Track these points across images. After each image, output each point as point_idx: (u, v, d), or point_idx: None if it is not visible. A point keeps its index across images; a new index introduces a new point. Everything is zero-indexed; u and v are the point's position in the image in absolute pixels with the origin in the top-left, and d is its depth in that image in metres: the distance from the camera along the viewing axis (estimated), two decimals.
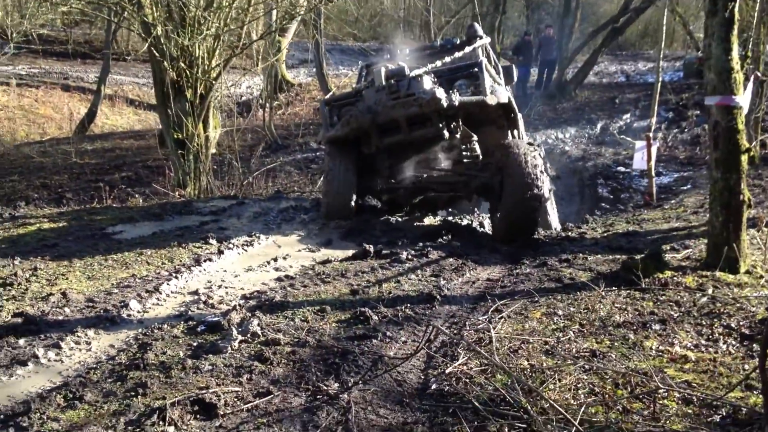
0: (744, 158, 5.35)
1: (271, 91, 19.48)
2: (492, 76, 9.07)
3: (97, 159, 17.47)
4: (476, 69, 8.53)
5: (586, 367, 3.78)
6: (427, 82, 8.09)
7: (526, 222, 7.57)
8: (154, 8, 10.90)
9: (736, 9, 5.21)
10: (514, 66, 10.45)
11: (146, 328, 4.74)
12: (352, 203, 8.63)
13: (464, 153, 8.89)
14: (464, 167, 8.89)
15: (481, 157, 8.90)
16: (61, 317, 4.93)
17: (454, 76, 8.75)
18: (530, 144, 7.98)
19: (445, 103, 7.96)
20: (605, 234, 7.65)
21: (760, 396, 3.14)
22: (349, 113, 8.41)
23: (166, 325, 4.77)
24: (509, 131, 9.05)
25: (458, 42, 10.12)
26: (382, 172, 9.08)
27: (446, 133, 8.31)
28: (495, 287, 5.53)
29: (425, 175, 8.97)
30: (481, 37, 9.82)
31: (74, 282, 5.94)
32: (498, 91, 8.54)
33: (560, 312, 4.71)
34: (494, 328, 4.40)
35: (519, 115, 9.40)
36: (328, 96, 9.62)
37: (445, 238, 7.84)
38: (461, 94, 8.34)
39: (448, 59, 8.86)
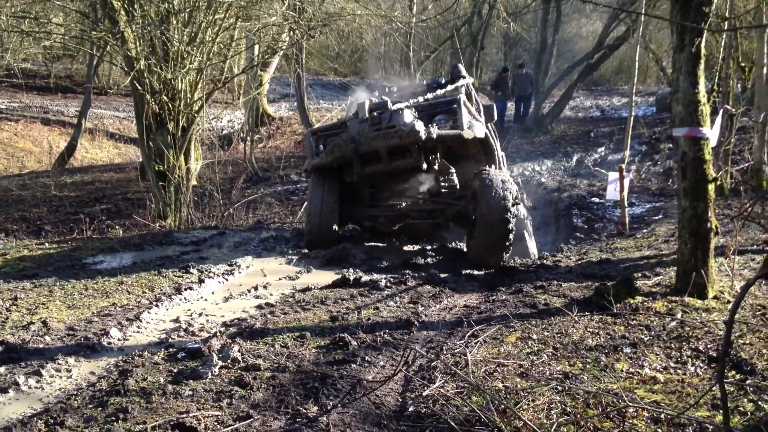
0: (711, 188, 5.51)
1: (252, 124, 19.64)
2: (471, 113, 9.41)
3: (76, 192, 17.44)
4: (455, 105, 8.96)
5: (559, 388, 3.89)
6: (408, 116, 8.49)
7: (498, 245, 7.89)
8: (138, 43, 11.03)
9: (703, 44, 5.42)
10: (494, 105, 10.95)
11: (127, 355, 4.78)
12: (335, 229, 8.86)
13: (443, 183, 9.16)
14: (442, 196, 9.17)
15: (458, 187, 9.19)
16: (41, 345, 4.96)
17: (434, 111, 9.27)
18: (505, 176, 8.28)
19: (423, 136, 8.34)
20: (579, 262, 7.80)
21: None
22: (334, 142, 8.74)
23: (146, 352, 4.81)
24: (487, 165, 9.32)
25: (443, 81, 10.52)
26: (363, 200, 9.32)
27: (424, 164, 8.65)
28: (472, 313, 5.64)
29: (404, 204, 9.24)
30: (464, 77, 10.19)
31: (55, 311, 5.97)
32: (475, 127, 8.87)
33: (535, 336, 4.83)
34: (470, 352, 4.51)
35: (497, 150, 9.76)
36: (314, 126, 9.87)
37: (422, 261, 8.10)
38: (440, 128, 8.74)
39: (430, 96, 9.29)
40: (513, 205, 7.94)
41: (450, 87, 9.81)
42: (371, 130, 8.47)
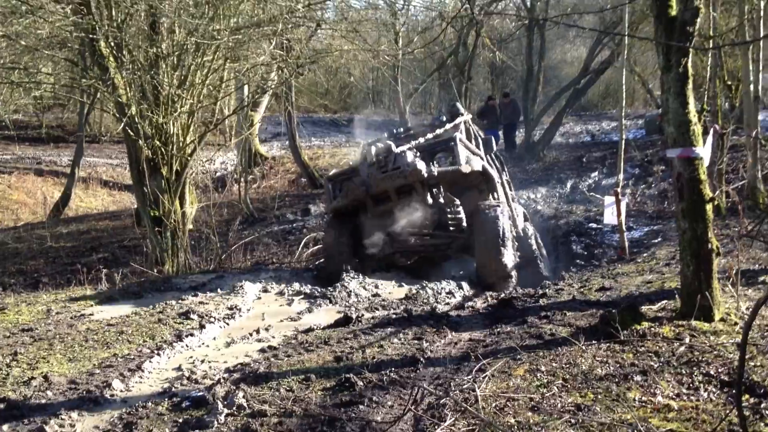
0: (709, 207, 5.49)
1: (245, 165, 19.65)
2: (468, 148, 10.35)
3: (72, 242, 17.39)
4: (452, 143, 9.98)
5: (572, 421, 3.83)
6: (410, 157, 9.40)
7: (498, 274, 9.35)
8: (128, 88, 11.06)
9: (689, 64, 5.44)
10: (493, 137, 12.28)
11: (130, 407, 4.71)
12: (348, 266, 9.59)
13: (449, 216, 9.86)
14: (448, 229, 9.95)
15: (464, 219, 9.93)
16: (43, 401, 4.89)
17: (435, 150, 10.33)
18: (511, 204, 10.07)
19: (425, 174, 9.33)
20: (582, 289, 7.76)
21: None
22: (347, 186, 9.76)
23: (150, 403, 4.75)
24: (489, 194, 10.39)
25: (444, 119, 11.46)
26: (376, 236, 9.99)
27: (430, 200, 9.62)
28: (477, 347, 5.58)
29: (414, 239, 9.93)
30: (462, 114, 11.26)
31: (55, 365, 5.89)
32: (473, 161, 9.86)
33: (543, 368, 4.77)
34: (479, 387, 4.45)
35: (496, 178, 10.75)
36: (330, 173, 10.94)
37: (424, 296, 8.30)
38: (441, 165, 9.80)
39: (430, 135, 10.25)
40: (506, 239, 9.28)
41: (449, 125, 10.66)
42: (379, 173, 9.41)
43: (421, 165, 9.32)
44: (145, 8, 11.04)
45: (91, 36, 10.59)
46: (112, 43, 10.87)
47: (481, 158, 10.63)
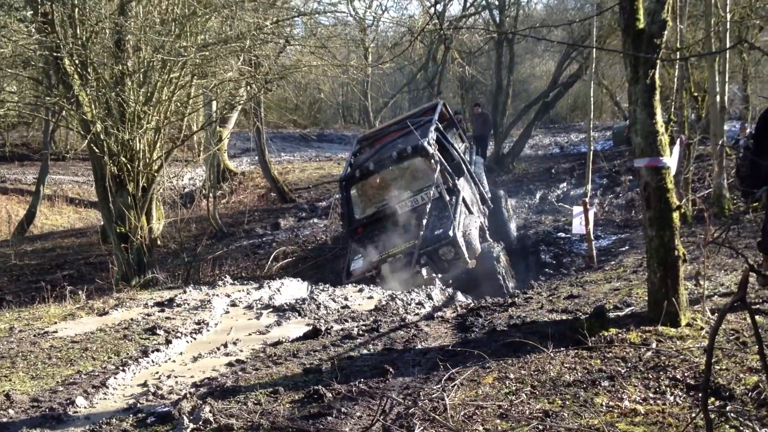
0: (676, 215, 5.54)
1: (214, 180, 19.53)
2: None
3: (37, 259, 17.14)
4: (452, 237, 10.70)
5: (540, 427, 3.82)
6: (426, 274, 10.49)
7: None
8: (93, 105, 10.93)
9: (657, 76, 5.51)
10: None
11: (94, 424, 4.63)
12: None
13: None
14: None
15: None
16: (5, 419, 4.80)
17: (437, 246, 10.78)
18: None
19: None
20: (550, 297, 7.77)
21: None
22: None
23: (114, 420, 4.67)
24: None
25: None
26: None
27: None
28: (447, 356, 5.55)
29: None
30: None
31: (18, 383, 5.78)
32: (474, 249, 10.97)
33: (512, 375, 4.76)
34: (448, 396, 4.42)
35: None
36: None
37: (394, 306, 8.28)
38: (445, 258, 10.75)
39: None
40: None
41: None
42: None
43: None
44: (111, 26, 10.93)
45: (55, 54, 10.45)
46: (77, 61, 10.73)
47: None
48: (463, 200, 11.85)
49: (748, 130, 14.54)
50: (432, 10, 20.41)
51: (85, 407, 5.04)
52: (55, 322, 8.18)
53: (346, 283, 10.59)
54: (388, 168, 12.23)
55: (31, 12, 10.49)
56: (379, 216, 11.96)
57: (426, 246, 10.70)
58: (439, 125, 13.16)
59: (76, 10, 10.58)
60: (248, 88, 14.65)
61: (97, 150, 11.03)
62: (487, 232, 12.30)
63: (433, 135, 12.32)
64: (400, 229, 11.41)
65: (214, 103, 15.92)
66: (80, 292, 10.11)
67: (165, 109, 11.63)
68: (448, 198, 11.42)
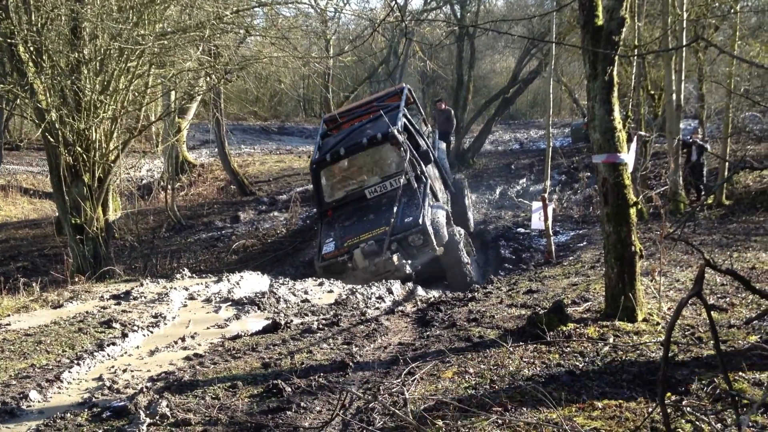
0: (633, 211, 5.62)
1: (172, 172, 19.26)
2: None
3: None
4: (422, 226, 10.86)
5: (499, 421, 3.83)
6: (397, 260, 10.44)
7: None
8: (48, 94, 10.69)
9: (615, 72, 5.57)
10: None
11: (48, 418, 4.55)
12: None
13: None
14: None
15: None
16: None
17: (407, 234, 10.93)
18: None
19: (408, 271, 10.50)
20: (510, 292, 7.83)
21: None
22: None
23: (69, 414, 4.59)
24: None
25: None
26: None
27: None
28: (407, 350, 5.56)
29: None
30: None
31: None
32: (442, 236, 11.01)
33: (471, 370, 4.78)
34: (408, 390, 4.42)
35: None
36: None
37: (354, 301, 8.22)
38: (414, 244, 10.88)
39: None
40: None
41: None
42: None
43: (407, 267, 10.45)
44: (66, 12, 10.69)
45: (9, 41, 10.22)
46: (32, 48, 10.50)
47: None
48: (431, 188, 12.06)
49: (700, 135, 14.81)
50: (393, 2, 20.40)
51: (38, 401, 4.94)
52: (8, 315, 8.00)
53: (319, 266, 10.89)
54: (358, 153, 12.40)
55: None
56: (348, 200, 12.25)
57: (396, 233, 10.87)
58: (407, 112, 13.31)
59: None
60: (208, 78, 14.49)
61: (51, 139, 10.80)
62: (452, 218, 12.39)
63: (402, 122, 12.43)
64: (369, 214, 11.62)
65: (173, 93, 15.67)
66: (34, 285, 9.91)
67: (122, 99, 11.43)
68: (416, 185, 11.59)
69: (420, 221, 10.87)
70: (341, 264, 10.84)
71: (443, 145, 16.50)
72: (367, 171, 12.42)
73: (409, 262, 10.63)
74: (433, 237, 10.81)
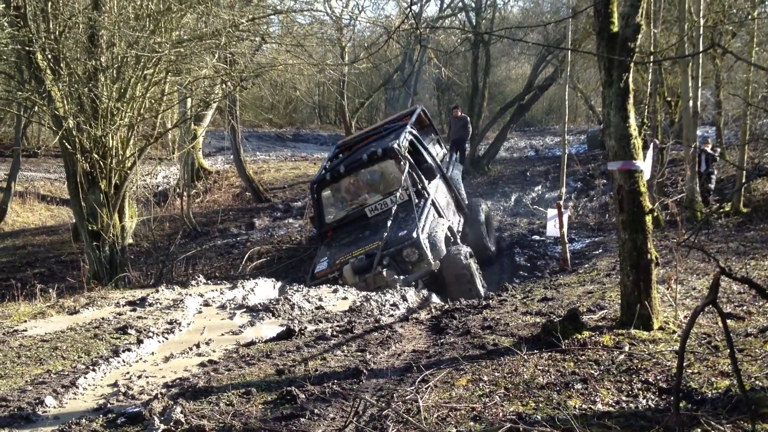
0: (648, 219, 5.58)
1: (188, 179, 19.37)
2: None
3: (7, 257, 16.89)
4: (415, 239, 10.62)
5: (513, 429, 3.81)
6: (387, 275, 10.33)
7: None
8: (65, 101, 10.79)
9: (630, 79, 5.54)
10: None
11: (63, 424, 4.58)
12: None
13: None
14: None
15: None
16: None
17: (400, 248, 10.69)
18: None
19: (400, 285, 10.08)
20: (524, 300, 7.80)
21: None
22: None
23: (84, 420, 4.61)
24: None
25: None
26: None
27: None
28: (421, 358, 5.55)
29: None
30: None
31: None
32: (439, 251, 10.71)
33: (485, 377, 4.76)
34: (422, 398, 4.41)
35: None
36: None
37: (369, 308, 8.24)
38: (409, 259, 10.63)
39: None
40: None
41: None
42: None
43: (399, 283, 10.12)
44: (84, 20, 10.81)
45: (27, 49, 10.32)
46: (50, 56, 10.60)
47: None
48: (433, 203, 11.85)
49: (710, 145, 14.72)
50: (408, 10, 20.41)
51: (54, 407, 4.97)
52: (25, 321, 8.06)
53: (309, 285, 10.50)
54: (359, 171, 12.28)
55: (3, 5, 10.33)
56: (348, 219, 12.09)
57: (389, 247, 10.67)
58: (413, 129, 13.16)
59: (50, 3, 10.46)
60: (223, 85, 14.55)
61: (69, 146, 10.89)
62: (458, 236, 12.23)
63: (406, 137, 12.33)
64: (368, 231, 11.47)
65: (189, 100, 15.80)
66: (51, 291, 9.97)
67: (138, 106, 11.52)
68: (416, 200, 11.42)
69: (414, 235, 10.66)
70: (332, 281, 10.60)
71: (460, 167, 16.31)
72: (368, 189, 12.26)
73: (402, 277, 10.41)
74: (428, 251, 10.57)
